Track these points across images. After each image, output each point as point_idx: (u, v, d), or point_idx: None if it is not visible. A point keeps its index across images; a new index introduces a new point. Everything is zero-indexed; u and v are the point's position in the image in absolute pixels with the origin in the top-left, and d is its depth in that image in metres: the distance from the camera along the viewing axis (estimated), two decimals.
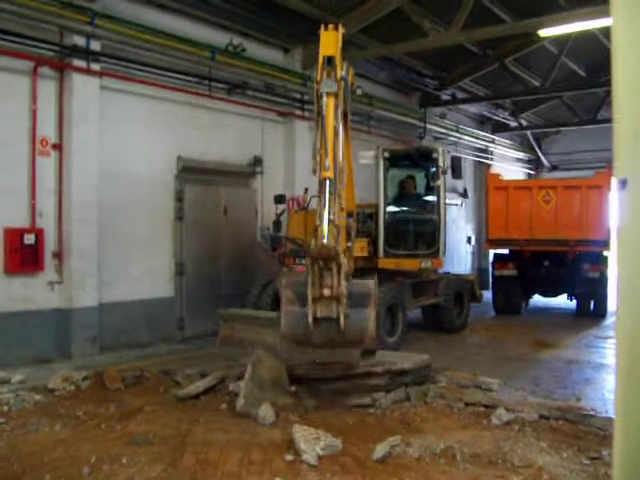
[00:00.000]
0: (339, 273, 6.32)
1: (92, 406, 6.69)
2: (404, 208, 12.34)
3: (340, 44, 7.75)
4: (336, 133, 7.12)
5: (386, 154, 11.90)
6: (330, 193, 6.60)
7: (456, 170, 12.23)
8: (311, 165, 7.16)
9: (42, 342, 9.79)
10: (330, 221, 6.40)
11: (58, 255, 10.08)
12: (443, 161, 11.97)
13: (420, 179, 12.69)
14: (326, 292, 6.26)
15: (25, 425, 6.00)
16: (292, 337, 6.47)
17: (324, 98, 7.15)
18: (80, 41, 10.10)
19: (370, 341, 6.51)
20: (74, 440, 5.62)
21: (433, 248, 11.87)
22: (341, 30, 7.89)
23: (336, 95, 7.21)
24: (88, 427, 6.05)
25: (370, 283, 6.74)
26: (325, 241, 6.23)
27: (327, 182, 6.67)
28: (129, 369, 8.38)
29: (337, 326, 6.30)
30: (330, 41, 7.68)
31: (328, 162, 6.73)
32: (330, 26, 7.93)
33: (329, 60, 7.43)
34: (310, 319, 6.27)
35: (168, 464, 5.08)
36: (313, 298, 6.28)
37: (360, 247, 11.02)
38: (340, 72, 7.45)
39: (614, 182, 1.08)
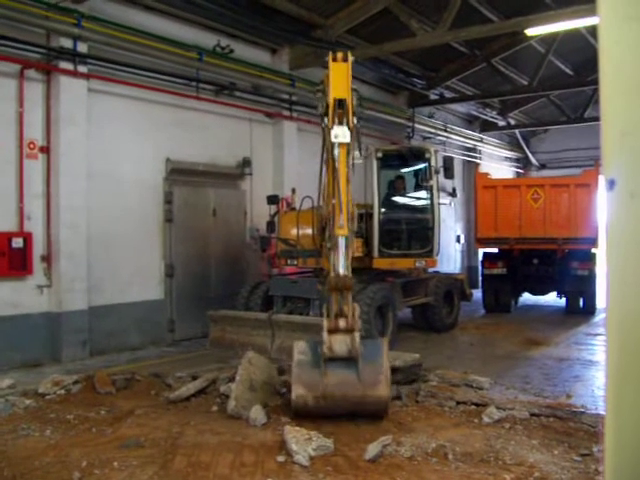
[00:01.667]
0: (354, 308, 6.63)
1: (83, 410, 6.66)
2: (398, 208, 12.36)
3: (350, 77, 7.50)
4: (348, 180, 7.18)
5: (379, 154, 11.89)
6: (345, 248, 6.91)
7: (449, 170, 12.26)
8: (317, 201, 7.33)
9: (32, 346, 9.73)
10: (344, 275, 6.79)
11: (47, 258, 10.02)
12: (436, 161, 12.01)
13: (413, 179, 12.72)
14: (342, 323, 6.47)
15: (15, 430, 5.97)
16: (305, 384, 6.29)
17: (337, 148, 7.14)
18: (67, 43, 10.06)
19: (384, 386, 6.28)
20: (65, 445, 5.60)
21: (427, 247, 11.88)
22: (350, 59, 7.60)
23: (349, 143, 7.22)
24: (79, 431, 6.03)
25: (382, 340, 7.07)
26: (341, 272, 6.70)
27: (341, 239, 6.92)
28: (120, 372, 8.35)
29: (351, 365, 6.35)
30: (341, 79, 7.40)
31: (342, 220, 6.91)
32: (339, 55, 7.61)
33: (340, 102, 7.25)
34: (325, 351, 6.33)
35: (160, 467, 5.07)
36: (329, 330, 6.44)
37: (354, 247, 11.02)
38: (352, 119, 7.29)
39: (601, 180, 1.09)
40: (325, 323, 6.50)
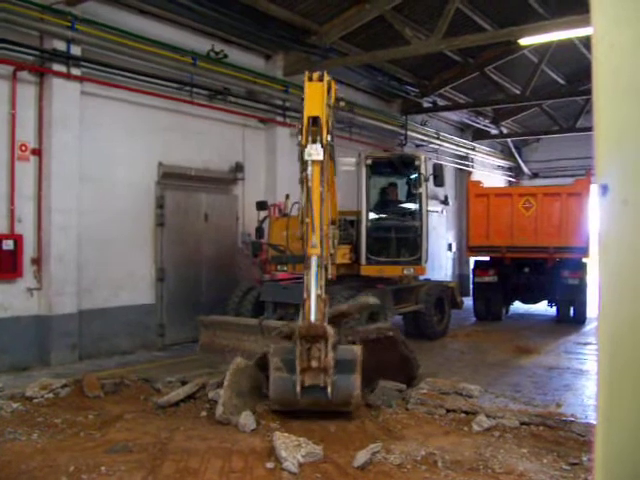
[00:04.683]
0: (326, 345, 6.37)
1: (71, 414, 6.61)
2: (386, 215, 12.35)
3: (326, 95, 7.55)
4: (322, 198, 7.14)
5: (368, 161, 11.90)
6: (318, 267, 6.78)
7: (438, 177, 12.28)
8: (298, 231, 7.44)
9: (20, 349, 9.67)
10: (317, 295, 6.62)
11: (37, 261, 9.97)
12: (425, 168, 12.02)
13: (402, 186, 12.73)
14: (314, 364, 6.34)
15: (2, 434, 5.92)
16: (281, 402, 6.51)
17: (310, 166, 7.13)
18: (60, 46, 10.03)
19: (356, 406, 6.57)
20: (52, 449, 5.55)
21: (415, 255, 11.89)
22: (327, 78, 7.69)
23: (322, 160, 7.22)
24: (67, 435, 5.98)
25: (356, 349, 6.75)
26: (313, 319, 6.46)
27: (314, 259, 6.82)
28: (109, 376, 8.30)
29: (324, 393, 6.33)
30: (315, 98, 7.44)
31: (315, 240, 6.84)
32: (315, 75, 7.71)
33: (314, 120, 7.26)
34: (298, 388, 6.28)
35: (148, 472, 5.03)
36: (301, 369, 6.33)
37: (342, 254, 11.00)
38: (326, 136, 7.31)
39: (593, 189, 1.08)
40: (297, 364, 6.32)
